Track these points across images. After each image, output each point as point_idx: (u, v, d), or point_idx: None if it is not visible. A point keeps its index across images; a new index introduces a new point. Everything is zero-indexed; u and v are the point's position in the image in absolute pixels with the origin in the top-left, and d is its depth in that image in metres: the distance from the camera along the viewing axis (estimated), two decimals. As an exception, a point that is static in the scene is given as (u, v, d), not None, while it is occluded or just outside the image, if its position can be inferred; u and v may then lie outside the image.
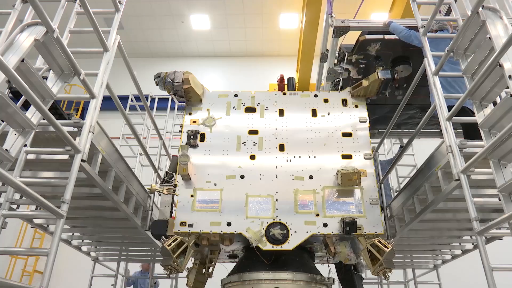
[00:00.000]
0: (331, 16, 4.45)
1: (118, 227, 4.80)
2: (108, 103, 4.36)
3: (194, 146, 4.07)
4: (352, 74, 5.06)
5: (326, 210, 3.68)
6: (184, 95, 4.33)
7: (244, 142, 4.10)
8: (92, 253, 6.32)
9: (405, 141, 7.02)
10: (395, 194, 5.96)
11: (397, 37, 4.56)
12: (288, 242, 3.52)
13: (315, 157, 3.99)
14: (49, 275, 2.39)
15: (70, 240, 5.42)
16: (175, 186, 3.88)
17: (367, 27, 4.67)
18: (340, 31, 4.46)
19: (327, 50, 4.96)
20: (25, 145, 2.85)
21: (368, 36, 4.64)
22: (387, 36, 4.62)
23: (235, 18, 12.98)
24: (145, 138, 7.78)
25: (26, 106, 2.75)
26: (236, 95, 4.46)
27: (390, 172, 5.64)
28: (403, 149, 5.07)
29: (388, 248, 3.40)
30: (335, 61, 5.15)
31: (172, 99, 8.84)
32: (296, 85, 8.58)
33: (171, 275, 3.90)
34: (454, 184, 3.20)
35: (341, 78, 5.26)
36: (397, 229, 4.84)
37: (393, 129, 6.01)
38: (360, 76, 5.16)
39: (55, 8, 3.26)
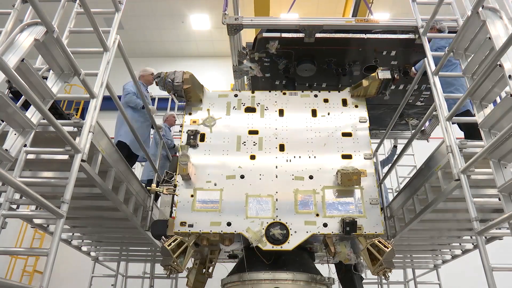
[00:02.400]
0: (225, 14, 4.37)
1: (118, 227, 4.79)
2: (108, 103, 4.36)
3: (194, 146, 4.07)
4: (256, 72, 5.02)
5: (326, 210, 3.68)
6: (184, 95, 4.33)
7: (244, 142, 4.10)
8: (92, 253, 6.32)
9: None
10: (395, 194, 5.96)
11: (294, 36, 4.50)
12: (288, 242, 3.52)
13: (315, 157, 3.99)
14: (49, 275, 2.39)
15: (70, 240, 5.41)
16: (175, 186, 3.88)
17: (262, 24, 4.59)
18: (234, 29, 4.39)
19: (244, 48, 4.90)
20: (25, 145, 2.85)
21: (265, 34, 4.58)
22: (284, 35, 4.56)
23: (235, 18, 13.00)
24: (145, 138, 7.75)
25: (26, 106, 2.75)
26: (236, 95, 4.45)
27: (390, 172, 5.64)
28: (402, 149, 5.06)
29: (388, 248, 3.40)
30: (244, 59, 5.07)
31: (172, 99, 8.87)
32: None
33: (171, 275, 3.90)
34: (454, 184, 3.20)
35: (250, 77, 5.23)
36: (397, 229, 4.84)
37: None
38: (268, 74, 5.16)
39: (55, 8, 3.26)
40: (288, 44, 4.62)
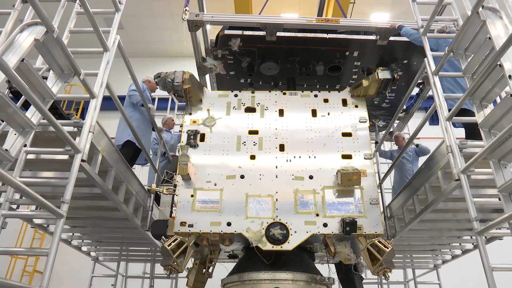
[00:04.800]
0: (186, 10, 4.32)
1: (118, 227, 4.79)
2: (108, 103, 4.36)
3: (194, 146, 4.07)
4: (219, 70, 4.96)
5: (326, 210, 3.67)
6: (184, 95, 4.32)
7: (244, 142, 4.10)
8: (92, 253, 6.32)
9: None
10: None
11: (256, 34, 4.46)
12: (288, 242, 3.52)
13: (315, 157, 3.99)
14: (49, 275, 2.39)
15: (70, 240, 5.41)
16: (175, 186, 3.88)
17: (223, 21, 4.53)
18: (194, 25, 4.35)
19: (210, 46, 4.87)
20: (25, 145, 2.85)
21: (226, 32, 4.52)
22: (246, 32, 4.50)
23: (235, 18, 13.00)
24: (145, 138, 7.76)
25: (26, 106, 2.75)
26: (236, 95, 4.45)
27: (390, 172, 5.64)
28: (403, 149, 5.06)
29: (388, 248, 3.40)
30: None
31: (172, 99, 8.87)
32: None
33: (171, 275, 3.90)
34: (454, 184, 3.21)
35: (215, 74, 5.19)
36: (397, 229, 4.84)
37: None
38: (232, 72, 5.09)
39: (55, 8, 3.26)
40: (250, 42, 4.58)
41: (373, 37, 4.47)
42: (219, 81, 5.40)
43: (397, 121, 6.18)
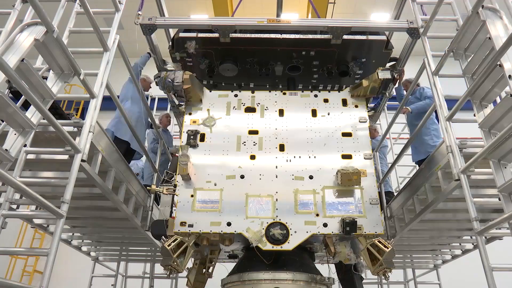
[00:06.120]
0: (138, 14, 4.30)
1: (118, 227, 4.80)
2: (108, 103, 4.37)
3: (194, 146, 4.06)
4: None
5: (326, 210, 3.67)
6: (184, 95, 4.33)
7: (244, 142, 4.10)
8: (92, 253, 6.32)
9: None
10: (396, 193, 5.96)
11: (210, 36, 4.43)
12: (288, 242, 3.52)
13: (315, 157, 3.99)
14: (49, 275, 2.39)
15: (70, 240, 5.42)
16: (175, 186, 3.88)
17: (175, 24, 4.49)
18: (148, 29, 4.37)
19: (168, 49, 4.83)
20: (25, 145, 2.85)
21: (182, 34, 4.50)
22: (200, 34, 4.47)
23: (235, 18, 13.00)
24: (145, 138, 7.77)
25: (26, 106, 2.75)
26: (236, 95, 4.45)
27: (390, 172, 5.64)
28: (402, 149, 5.06)
29: (388, 248, 3.40)
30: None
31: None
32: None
33: (171, 275, 3.90)
34: (454, 184, 3.21)
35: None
36: (397, 229, 4.84)
37: None
38: (194, 74, 4.94)
39: (55, 8, 3.26)
40: (206, 44, 4.54)
41: (327, 36, 4.38)
42: None
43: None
